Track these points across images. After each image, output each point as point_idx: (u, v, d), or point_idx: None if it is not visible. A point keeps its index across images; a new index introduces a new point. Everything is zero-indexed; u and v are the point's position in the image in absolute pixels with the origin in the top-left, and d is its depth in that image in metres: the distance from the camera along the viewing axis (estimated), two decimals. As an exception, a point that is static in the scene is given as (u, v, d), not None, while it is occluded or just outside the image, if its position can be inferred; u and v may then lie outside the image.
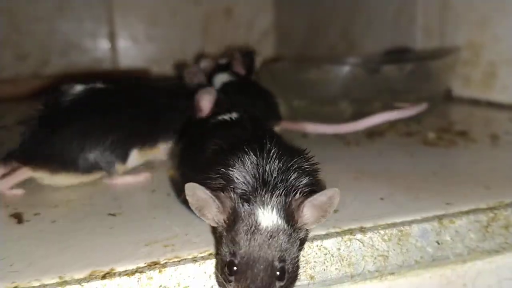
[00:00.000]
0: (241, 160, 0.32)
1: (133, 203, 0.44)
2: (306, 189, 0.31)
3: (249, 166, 0.32)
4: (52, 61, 1.29)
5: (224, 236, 0.30)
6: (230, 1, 1.39)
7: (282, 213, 0.30)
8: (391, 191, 0.43)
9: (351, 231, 0.35)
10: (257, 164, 0.32)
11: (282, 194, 0.30)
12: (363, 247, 0.35)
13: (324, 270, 0.34)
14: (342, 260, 0.35)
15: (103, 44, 1.33)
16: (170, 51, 1.38)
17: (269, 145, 0.34)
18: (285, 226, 0.29)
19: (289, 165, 0.33)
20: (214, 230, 0.34)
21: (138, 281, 0.31)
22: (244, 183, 0.31)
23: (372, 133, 0.64)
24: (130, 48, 1.36)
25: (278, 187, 0.31)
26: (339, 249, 0.35)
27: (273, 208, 0.30)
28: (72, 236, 0.37)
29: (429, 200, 0.40)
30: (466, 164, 0.50)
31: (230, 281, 0.29)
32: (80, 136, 0.47)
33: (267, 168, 0.32)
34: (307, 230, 0.32)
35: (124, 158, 0.49)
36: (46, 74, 1.24)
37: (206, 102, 0.50)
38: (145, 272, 0.31)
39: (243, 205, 0.30)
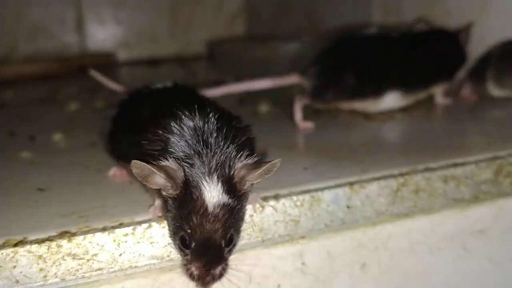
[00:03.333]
0: (180, 122, 0.32)
1: (64, 179, 0.45)
2: (245, 157, 0.31)
3: (189, 128, 0.32)
4: (20, 47, 1.28)
5: (172, 204, 0.30)
6: (198, -18, 1.38)
7: (227, 186, 0.30)
8: (317, 161, 0.44)
9: (265, 198, 0.36)
10: (196, 127, 0.32)
11: (225, 163, 0.30)
12: (276, 213, 0.36)
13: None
14: (254, 225, 0.36)
15: (71, 29, 1.32)
16: (138, 35, 1.37)
17: (206, 108, 0.34)
18: (231, 200, 0.30)
19: (228, 129, 0.32)
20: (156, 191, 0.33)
21: (48, 249, 0.32)
22: (184, 146, 0.31)
23: (318, 110, 0.65)
24: (98, 32, 1.35)
25: (221, 152, 0.31)
26: (251, 215, 0.36)
27: (218, 181, 0.30)
28: (-2, 210, 0.37)
29: (348, 168, 0.42)
30: (393, 136, 0.52)
31: (186, 255, 0.30)
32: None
33: (208, 131, 0.32)
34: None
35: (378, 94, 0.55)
36: (14, 60, 1.23)
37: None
38: (55, 241, 0.32)
39: (193, 180, 0.30)
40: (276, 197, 0.37)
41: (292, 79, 0.57)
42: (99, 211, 0.36)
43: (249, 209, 0.35)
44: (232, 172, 0.30)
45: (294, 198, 0.37)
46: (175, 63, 1.29)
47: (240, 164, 0.31)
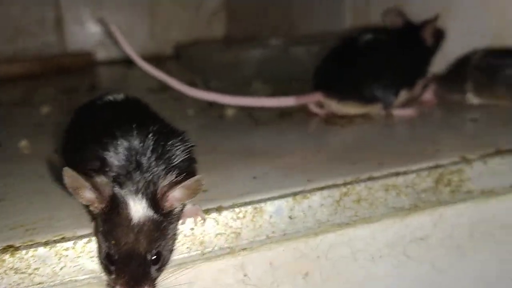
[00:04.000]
0: (116, 142, 0.33)
1: (20, 189, 0.45)
2: (175, 176, 0.33)
3: (124, 149, 0.33)
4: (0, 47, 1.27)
5: (100, 221, 0.32)
6: (177, -19, 1.38)
7: (151, 202, 0.31)
8: (267, 170, 0.45)
9: (207, 211, 0.37)
10: (132, 147, 0.33)
11: (152, 182, 0.32)
12: (217, 225, 0.37)
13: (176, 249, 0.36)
14: (195, 238, 0.37)
15: (50, 29, 1.32)
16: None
17: (147, 127, 0.35)
18: (155, 215, 0.31)
19: (163, 149, 0.34)
20: (88, 209, 0.34)
21: (-10, 263, 0.33)
22: (119, 166, 0.33)
23: (283, 113, 0.66)
24: (77, 32, 1.35)
25: (151, 171, 0.32)
26: (192, 229, 0.37)
27: (143, 198, 0.31)
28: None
29: (295, 177, 0.43)
30: (347, 142, 0.53)
31: (111, 272, 0.31)
32: (369, 73, 0.58)
33: (142, 152, 0.33)
34: (182, 205, 0.34)
35: (396, 95, 0.59)
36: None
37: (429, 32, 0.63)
38: (-1, 255, 0.33)
39: (119, 196, 0.31)
40: (219, 210, 0.38)
41: (316, 97, 0.60)
42: (45, 224, 0.37)
43: (190, 222, 0.36)
44: (157, 190, 0.32)
45: (237, 210, 0.38)
46: (154, 62, 1.30)
47: (165, 183, 0.32)
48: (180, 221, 0.35)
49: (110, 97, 0.44)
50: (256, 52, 0.65)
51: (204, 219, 0.37)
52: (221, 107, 0.68)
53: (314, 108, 0.63)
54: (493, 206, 0.43)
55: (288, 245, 0.39)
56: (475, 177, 0.43)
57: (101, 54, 1.35)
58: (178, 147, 0.35)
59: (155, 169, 0.33)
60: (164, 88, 0.95)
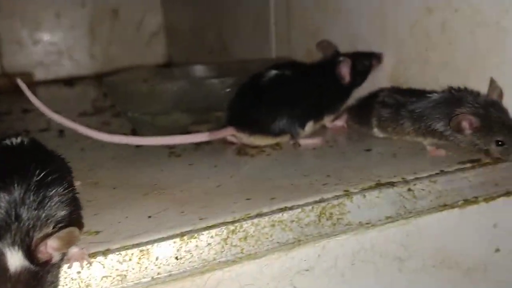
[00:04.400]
0: None
1: None
2: (52, 226, 0.35)
3: (5, 201, 0.35)
4: None
5: None
6: (116, 2, 1.39)
7: (27, 253, 0.33)
8: (165, 207, 0.47)
9: (94, 254, 0.39)
10: (11, 200, 0.35)
11: (28, 233, 0.34)
12: (103, 268, 0.39)
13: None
14: (81, 282, 0.38)
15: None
16: (56, 54, 1.37)
17: (30, 177, 0.37)
18: (31, 266, 0.33)
19: (44, 199, 0.36)
20: None
21: None
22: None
23: (201, 142, 0.68)
24: (16, 52, 1.34)
25: (28, 223, 0.34)
26: (79, 272, 0.38)
27: (19, 249, 0.33)
28: None
29: (188, 215, 0.45)
30: (251, 175, 0.55)
31: None
32: (275, 108, 0.63)
33: (22, 203, 0.35)
34: (61, 254, 0.35)
35: (303, 126, 0.63)
36: None
37: (346, 69, 0.67)
38: None
39: None
40: (105, 253, 0.39)
41: (229, 132, 0.63)
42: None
43: (77, 265, 0.38)
44: (32, 242, 0.34)
45: (123, 252, 0.40)
46: (94, 82, 1.31)
47: (40, 234, 0.34)
48: (66, 266, 0.37)
49: (7, 142, 0.46)
50: (171, 85, 0.67)
51: (90, 263, 0.38)
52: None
53: (230, 138, 0.66)
54: (372, 236, 0.46)
55: (175, 285, 0.41)
56: (354, 210, 0.46)
57: (40, 74, 1.35)
58: (59, 196, 0.37)
59: (32, 220, 0.35)
60: (98, 111, 0.96)
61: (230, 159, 0.62)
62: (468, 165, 0.52)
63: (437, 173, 0.51)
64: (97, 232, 0.43)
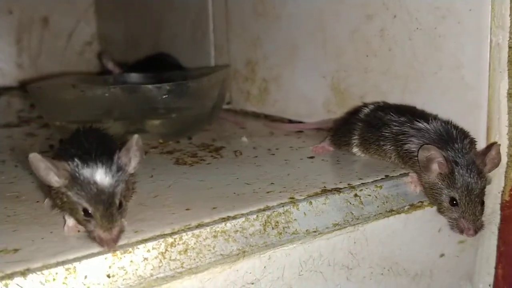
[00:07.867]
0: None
1: None
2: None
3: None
4: None
5: (68, 190, 0.39)
6: (46, 10, 1.32)
7: (114, 166, 0.40)
8: (96, 221, 0.43)
9: (11, 275, 0.34)
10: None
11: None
12: (22, 291, 0.34)
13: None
14: (-3, 307, 0.33)
15: None
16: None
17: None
18: (117, 174, 0.39)
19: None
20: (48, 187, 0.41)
21: None
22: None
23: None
24: None
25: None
26: (-8, 296, 0.33)
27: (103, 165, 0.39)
28: None
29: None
30: (189, 184, 0.52)
31: (89, 221, 0.38)
32: None
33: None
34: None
35: None
36: None
37: None
38: None
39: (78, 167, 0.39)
40: (24, 273, 0.34)
41: None
42: None
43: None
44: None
45: (46, 272, 0.35)
46: (20, 93, 1.23)
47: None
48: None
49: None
50: (103, 91, 0.62)
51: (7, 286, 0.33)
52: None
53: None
54: (320, 245, 0.44)
55: (105, 306, 0.36)
56: (300, 218, 0.44)
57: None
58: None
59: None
60: (24, 122, 0.89)
61: (167, 168, 0.58)
62: (412, 170, 0.52)
63: (382, 178, 0.51)
64: (15, 250, 0.38)
